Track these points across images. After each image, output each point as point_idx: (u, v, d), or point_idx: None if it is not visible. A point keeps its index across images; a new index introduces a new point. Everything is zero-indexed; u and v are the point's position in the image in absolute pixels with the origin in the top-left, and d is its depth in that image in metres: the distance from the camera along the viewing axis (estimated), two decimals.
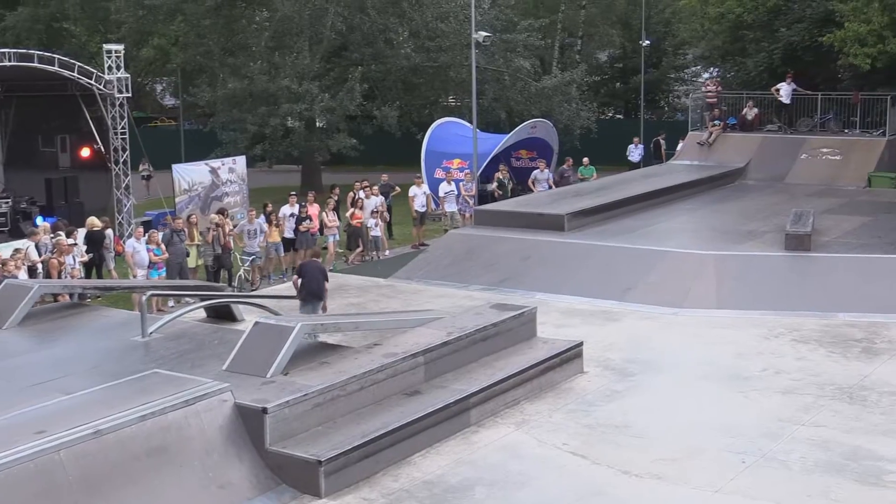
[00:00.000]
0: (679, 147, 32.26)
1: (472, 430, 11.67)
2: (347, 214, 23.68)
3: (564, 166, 30.59)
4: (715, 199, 25.97)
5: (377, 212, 23.96)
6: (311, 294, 16.20)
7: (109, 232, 21.60)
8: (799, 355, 14.75)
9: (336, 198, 24.47)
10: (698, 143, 30.73)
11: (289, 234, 22.36)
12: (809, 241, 19.03)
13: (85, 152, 27.11)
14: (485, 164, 29.71)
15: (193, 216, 22.12)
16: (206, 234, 20.62)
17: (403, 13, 35.94)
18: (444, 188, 26.77)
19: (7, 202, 25.53)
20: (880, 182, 27.62)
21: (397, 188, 27.65)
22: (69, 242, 19.09)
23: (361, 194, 24.30)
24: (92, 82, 24.74)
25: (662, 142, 35.55)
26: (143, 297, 14.22)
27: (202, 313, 15.79)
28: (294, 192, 24.41)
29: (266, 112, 33.42)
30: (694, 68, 49.38)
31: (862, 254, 18.99)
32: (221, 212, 22.24)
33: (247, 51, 36.34)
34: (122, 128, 25.55)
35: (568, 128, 37.34)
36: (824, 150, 29.13)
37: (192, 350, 12.52)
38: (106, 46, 26.04)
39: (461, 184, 27.35)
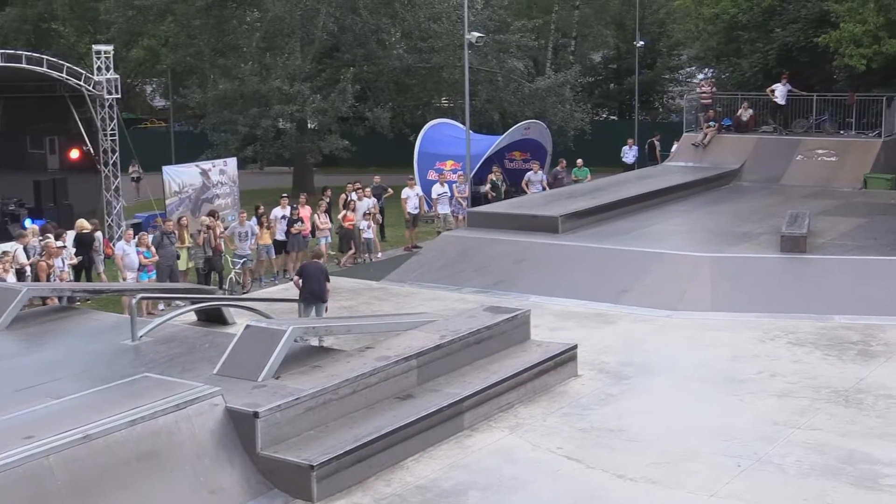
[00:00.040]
0: (674, 148, 32.30)
1: (465, 434, 11.67)
2: (339, 216, 23.66)
3: (558, 168, 30.62)
4: (710, 200, 26.01)
5: (369, 214, 23.96)
6: (313, 295, 16.17)
7: (99, 234, 21.56)
8: (795, 358, 14.77)
9: (328, 200, 24.46)
10: (693, 144, 30.79)
11: (280, 237, 22.35)
12: (805, 242, 19.06)
13: (74, 154, 27.04)
14: (478, 165, 29.72)
15: (184, 218, 22.08)
16: (197, 237, 20.60)
17: (396, 14, 35.97)
18: (436, 190, 26.78)
19: None
20: (876, 183, 27.69)
21: (390, 190, 27.65)
22: (58, 245, 19.05)
23: (353, 196, 24.30)
24: (81, 83, 24.68)
25: (657, 143, 35.59)
26: (133, 300, 14.18)
27: (193, 316, 15.76)
28: (286, 194, 24.41)
29: (257, 113, 33.41)
30: (688, 69, 49.46)
31: (858, 256, 19.04)
32: (212, 214, 22.21)
33: (238, 51, 36.32)
34: (112, 129, 25.50)
35: (562, 129, 37.38)
36: (820, 151, 29.20)
37: (182, 354, 12.49)
38: (95, 47, 25.98)
39: (454, 185, 27.37)
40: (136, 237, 19.67)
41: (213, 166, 28.14)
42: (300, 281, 16.46)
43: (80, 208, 25.33)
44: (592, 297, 18.11)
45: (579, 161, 30.88)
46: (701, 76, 43.02)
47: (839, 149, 29.10)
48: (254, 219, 21.97)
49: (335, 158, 37.12)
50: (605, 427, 12.04)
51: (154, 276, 19.39)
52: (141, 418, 9.60)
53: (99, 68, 25.22)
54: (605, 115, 50.99)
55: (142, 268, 19.25)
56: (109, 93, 25.27)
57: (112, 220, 25.42)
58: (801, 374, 14.00)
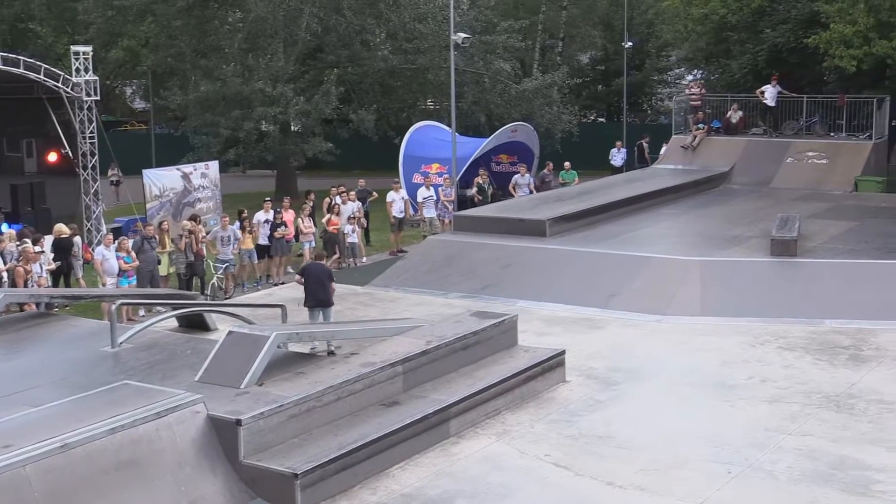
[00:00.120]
0: (662, 151, 32.40)
1: (451, 442, 11.68)
2: (324, 220, 23.63)
3: (545, 171, 30.66)
4: (699, 203, 26.09)
5: (354, 218, 23.94)
6: (319, 302, 15.93)
7: (77, 239, 21.47)
8: (785, 363, 14.83)
9: (312, 203, 24.42)
10: (682, 146, 30.89)
11: (263, 241, 22.31)
12: (795, 246, 19.14)
13: (52, 157, 26.93)
14: (464, 168, 29.73)
15: (165, 223, 22.01)
16: (179, 242, 20.55)
17: (380, 14, 35.95)
18: (422, 193, 26.79)
19: None
20: (867, 186, 27.83)
21: (374, 193, 27.62)
22: (36, 250, 18.95)
23: (338, 200, 24.28)
24: (59, 85, 24.59)
25: (646, 145, 35.68)
26: (113, 306, 14.17)
27: (174, 322, 15.73)
28: (269, 198, 24.37)
29: (240, 115, 33.33)
30: (677, 70, 49.59)
31: (849, 259, 19.13)
32: (194, 218, 22.16)
33: (219, 53, 36.24)
34: (91, 132, 25.41)
35: (549, 131, 37.43)
36: (810, 153, 29.32)
37: (163, 360, 12.47)
38: (73, 48, 25.88)
39: (440, 189, 27.37)
40: (116, 242, 19.60)
41: (195, 170, 28.07)
42: (303, 280, 16.28)
43: (59, 212, 25.22)
44: (580, 302, 18.15)
45: (567, 164, 30.92)
46: (690, 77, 43.16)
47: (829, 151, 29.24)
48: (236, 223, 21.93)
49: (319, 161, 37.05)
50: (593, 434, 12.06)
51: (134, 282, 19.34)
52: (121, 426, 9.58)
53: (77, 69, 25.13)
54: (592, 117, 51.07)
55: (122, 273, 19.18)
56: (88, 95, 25.19)
57: (91, 225, 25.33)
58: (791, 379, 14.05)
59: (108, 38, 41.13)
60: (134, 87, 57.32)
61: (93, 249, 21.22)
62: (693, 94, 32.34)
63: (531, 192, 28.16)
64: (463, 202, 28.22)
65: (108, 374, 11.90)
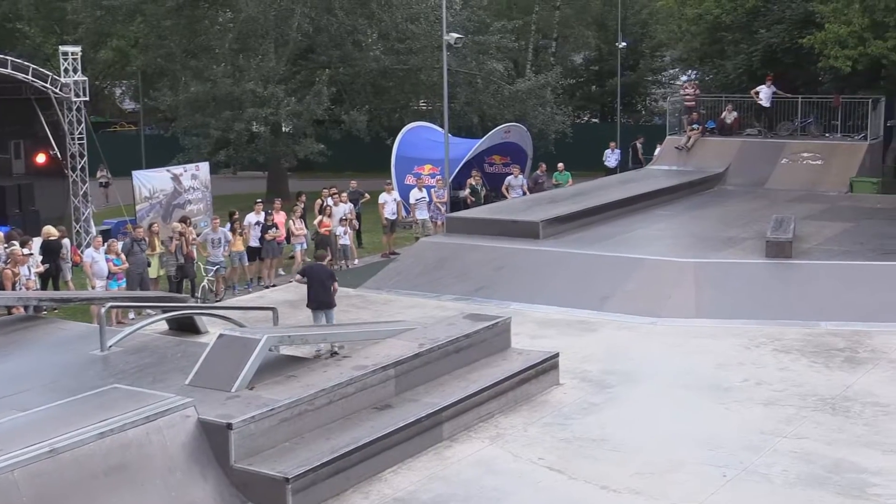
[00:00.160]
0: (657, 152, 32.44)
1: (444, 445, 11.67)
2: (315, 222, 23.62)
3: (538, 172, 30.68)
4: (694, 205, 26.13)
5: (346, 219, 23.93)
6: (321, 304, 16.00)
7: (66, 241, 21.44)
8: (781, 365, 14.85)
9: (303, 205, 24.42)
10: (676, 147, 30.93)
11: (254, 243, 22.29)
12: (790, 247, 19.17)
13: (40, 158, 26.89)
14: (457, 169, 29.75)
15: (155, 224, 21.98)
16: (169, 244, 20.52)
17: (372, 14, 35.95)
18: (414, 195, 26.79)
19: None
20: (862, 187, 27.90)
21: (367, 195, 27.62)
22: (24, 252, 18.92)
23: (329, 201, 24.26)
24: (47, 85, 24.56)
25: (639, 146, 35.73)
26: (102, 309, 14.13)
27: (164, 325, 15.70)
28: (260, 200, 24.36)
29: (230, 116, 33.30)
30: (672, 71, 49.67)
31: (844, 261, 19.16)
32: (184, 220, 22.15)
33: (210, 53, 36.20)
34: (80, 133, 25.38)
35: (542, 132, 37.46)
36: (805, 154, 29.39)
37: (153, 364, 12.45)
38: (62, 48, 25.86)
39: (432, 190, 27.37)
40: (106, 244, 19.57)
41: (185, 171, 28.05)
42: (304, 279, 16.32)
43: (47, 214, 25.17)
44: (574, 304, 18.15)
45: (560, 165, 30.96)
46: (684, 78, 43.26)
47: (825, 152, 29.31)
48: (227, 225, 21.91)
49: (310, 163, 37.04)
50: (587, 437, 12.06)
51: (124, 285, 19.30)
52: (110, 431, 9.55)
53: (66, 70, 25.10)
54: (586, 118, 51.08)
55: (111, 276, 19.15)
56: (77, 95, 25.15)
57: (80, 227, 25.29)
58: (787, 381, 14.08)
59: (97, 38, 41.08)
60: (123, 88, 57.21)
61: (82, 252, 21.18)
62: (687, 95, 32.43)
63: (524, 194, 28.18)
64: (456, 204, 28.23)
65: (98, 377, 11.88)
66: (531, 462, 11.32)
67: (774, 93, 30.77)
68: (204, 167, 28.94)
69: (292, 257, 23.33)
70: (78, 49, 25.71)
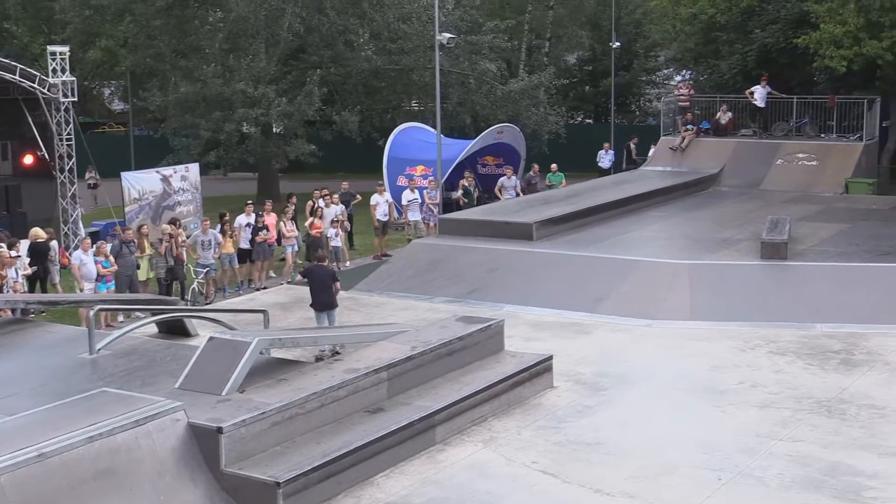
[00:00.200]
0: (651, 153, 32.48)
1: (437, 449, 11.66)
2: (306, 224, 23.61)
3: (531, 173, 30.71)
4: (688, 206, 26.16)
5: (337, 221, 23.92)
6: (323, 304, 16.15)
7: (54, 243, 21.40)
8: (776, 368, 14.87)
9: (294, 207, 24.40)
10: (671, 148, 30.97)
11: (245, 245, 22.27)
12: (786, 249, 19.20)
13: (28, 159, 26.85)
14: (449, 170, 29.76)
15: (144, 226, 21.97)
16: (158, 245, 20.49)
17: (364, 14, 35.96)
18: (406, 196, 26.78)
19: None
20: (858, 188, 27.96)
21: (358, 196, 27.63)
22: (11, 255, 18.88)
23: (321, 203, 24.26)
24: (35, 86, 24.51)
25: (633, 147, 35.77)
26: (91, 312, 14.09)
27: (153, 328, 15.67)
28: (250, 201, 24.34)
29: (220, 117, 33.28)
30: (666, 71, 49.76)
31: (840, 262, 19.19)
32: (174, 222, 22.11)
33: (200, 53, 36.17)
34: (68, 134, 25.34)
35: (535, 133, 37.50)
36: (800, 155, 29.45)
37: (142, 367, 12.42)
38: (50, 48, 25.82)
39: (425, 191, 27.37)
40: (94, 246, 19.54)
41: (175, 172, 28.02)
42: (306, 281, 16.49)
43: (35, 216, 25.13)
44: (568, 307, 18.15)
45: (554, 166, 30.99)
46: (678, 78, 43.31)
47: (820, 152, 29.37)
48: (217, 227, 21.89)
49: (301, 164, 37.04)
50: (581, 440, 12.07)
51: (113, 287, 19.27)
52: (99, 435, 9.52)
53: (54, 70, 25.05)
54: (580, 119, 51.17)
55: (100, 278, 19.11)
56: (65, 96, 25.11)
57: (69, 229, 25.24)
58: (782, 384, 14.09)
59: (85, 37, 41.04)
60: (112, 88, 57.15)
61: (70, 254, 21.14)
62: (682, 95, 32.45)
63: (517, 195, 28.20)
64: (448, 205, 28.25)
65: (86, 381, 11.85)
66: (525, 466, 11.32)
67: (769, 93, 30.83)
68: (194, 168, 28.91)
69: (283, 259, 23.32)
70: (66, 49, 25.68)
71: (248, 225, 22.39)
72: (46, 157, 25.77)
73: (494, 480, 10.95)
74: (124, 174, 26.82)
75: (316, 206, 24.08)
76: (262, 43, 34.80)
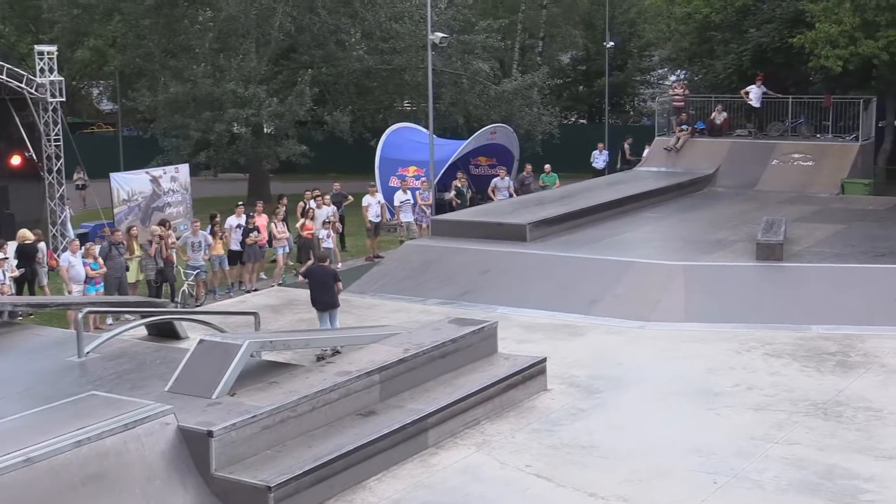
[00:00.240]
0: (645, 153, 32.52)
1: (430, 452, 11.66)
2: (298, 225, 23.59)
3: (525, 173, 30.71)
4: (683, 207, 26.19)
5: (329, 222, 23.89)
6: (325, 304, 16.24)
7: (42, 245, 21.35)
8: (772, 370, 14.89)
9: (285, 208, 24.37)
10: (665, 148, 31.01)
11: (235, 247, 22.24)
12: (781, 250, 19.22)
13: (15, 160, 26.71)
14: (442, 171, 29.75)
15: (134, 228, 21.94)
16: (148, 247, 20.46)
17: (356, 13, 35.94)
18: (399, 197, 26.77)
19: None
20: (854, 189, 28.02)
21: (350, 197, 27.61)
22: None
23: (312, 204, 24.24)
24: (22, 86, 24.43)
25: (627, 147, 35.79)
26: (80, 315, 14.08)
27: (143, 331, 15.65)
28: (241, 202, 24.31)
29: (210, 117, 33.24)
30: (660, 71, 49.84)
31: (836, 263, 19.22)
32: (163, 223, 22.07)
33: (190, 53, 36.14)
34: (56, 134, 25.27)
35: (529, 133, 37.52)
36: (796, 155, 29.51)
37: (132, 370, 12.40)
38: (37, 47, 25.74)
39: (417, 192, 27.37)
40: (83, 248, 19.50)
41: (164, 173, 27.99)
42: (307, 282, 16.69)
43: (23, 218, 25.04)
44: (562, 308, 18.17)
45: (547, 166, 30.99)
46: (673, 78, 43.40)
47: (816, 153, 29.42)
48: (208, 228, 21.86)
49: (293, 165, 37.02)
50: (575, 443, 12.06)
51: (101, 289, 19.24)
52: (87, 439, 9.49)
53: (42, 70, 24.99)
54: (574, 119, 51.19)
55: (88, 280, 19.08)
56: (53, 96, 25.05)
57: (57, 230, 25.18)
58: (778, 386, 14.11)
59: (73, 37, 40.95)
60: (101, 88, 57.07)
61: (58, 256, 21.09)
62: (676, 95, 32.53)
63: (511, 196, 28.22)
64: (441, 206, 28.24)
65: (75, 384, 11.82)
66: (518, 469, 11.32)
67: (765, 93, 30.89)
68: (184, 169, 28.87)
69: (274, 261, 23.29)
70: (54, 48, 25.60)
71: (238, 226, 22.36)
72: (34, 157, 25.69)
73: (487, 484, 10.95)
74: (113, 175, 26.78)
75: (307, 207, 24.06)
76: (252, 42, 34.78)
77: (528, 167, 31.09)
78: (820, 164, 28.96)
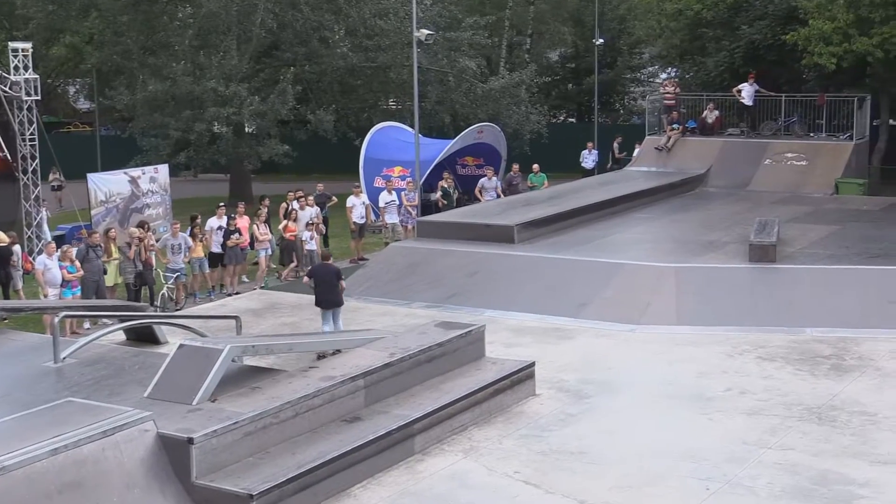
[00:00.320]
0: (636, 152, 32.59)
1: (416, 459, 11.67)
2: (280, 227, 23.57)
3: (512, 173, 30.73)
4: (674, 207, 26.27)
5: (312, 224, 23.88)
6: (329, 303, 16.50)
7: (17, 248, 21.26)
8: (765, 374, 14.94)
9: (267, 209, 24.32)
10: (656, 148, 31.09)
11: (216, 249, 22.20)
12: (774, 251, 19.30)
13: None
14: (428, 171, 29.76)
15: (112, 230, 21.86)
16: (126, 250, 20.40)
17: (339, 9, 35.91)
18: (384, 198, 26.75)
19: None
20: (848, 189, 28.13)
21: (334, 198, 27.58)
22: None
23: (295, 205, 24.20)
24: None
25: (617, 146, 35.86)
26: (56, 319, 14.04)
27: (121, 336, 15.62)
28: (222, 203, 24.23)
29: (190, 116, 33.17)
30: (651, 68, 49.94)
31: (829, 265, 19.30)
32: (142, 225, 22.00)
33: (169, 50, 36.05)
34: (31, 133, 25.18)
35: (517, 132, 37.54)
36: (789, 154, 29.61)
37: (110, 376, 12.37)
38: (11, 44, 25.66)
39: (403, 193, 27.35)
40: (59, 250, 19.43)
41: (143, 173, 27.88)
42: (311, 281, 16.89)
43: None
44: (550, 311, 18.21)
45: (535, 166, 31.01)
46: (664, 76, 43.51)
47: (809, 152, 29.53)
48: (188, 230, 21.81)
49: (275, 165, 36.97)
50: (564, 449, 12.09)
51: (78, 293, 19.17)
52: (64, 447, 9.48)
53: (16, 67, 24.90)
54: (562, 118, 51.28)
55: (65, 283, 19.01)
56: (28, 94, 24.96)
57: (32, 233, 25.09)
58: (771, 390, 14.16)
59: (49, 33, 40.83)
60: (77, 86, 56.87)
61: (33, 259, 21.00)
62: (667, 93, 32.60)
63: (498, 196, 28.23)
64: (427, 207, 28.25)
65: (51, 390, 11.79)
66: (507, 476, 11.33)
67: (757, 91, 30.99)
68: (163, 169, 28.77)
69: (256, 263, 23.24)
70: (29, 45, 25.50)
71: (219, 228, 22.31)
72: (9, 157, 25.59)
73: (475, 491, 10.96)
74: (90, 176, 26.67)
75: (290, 208, 24.03)
76: (233, 39, 34.72)
77: (516, 167, 31.09)
78: (813, 164, 29.06)
